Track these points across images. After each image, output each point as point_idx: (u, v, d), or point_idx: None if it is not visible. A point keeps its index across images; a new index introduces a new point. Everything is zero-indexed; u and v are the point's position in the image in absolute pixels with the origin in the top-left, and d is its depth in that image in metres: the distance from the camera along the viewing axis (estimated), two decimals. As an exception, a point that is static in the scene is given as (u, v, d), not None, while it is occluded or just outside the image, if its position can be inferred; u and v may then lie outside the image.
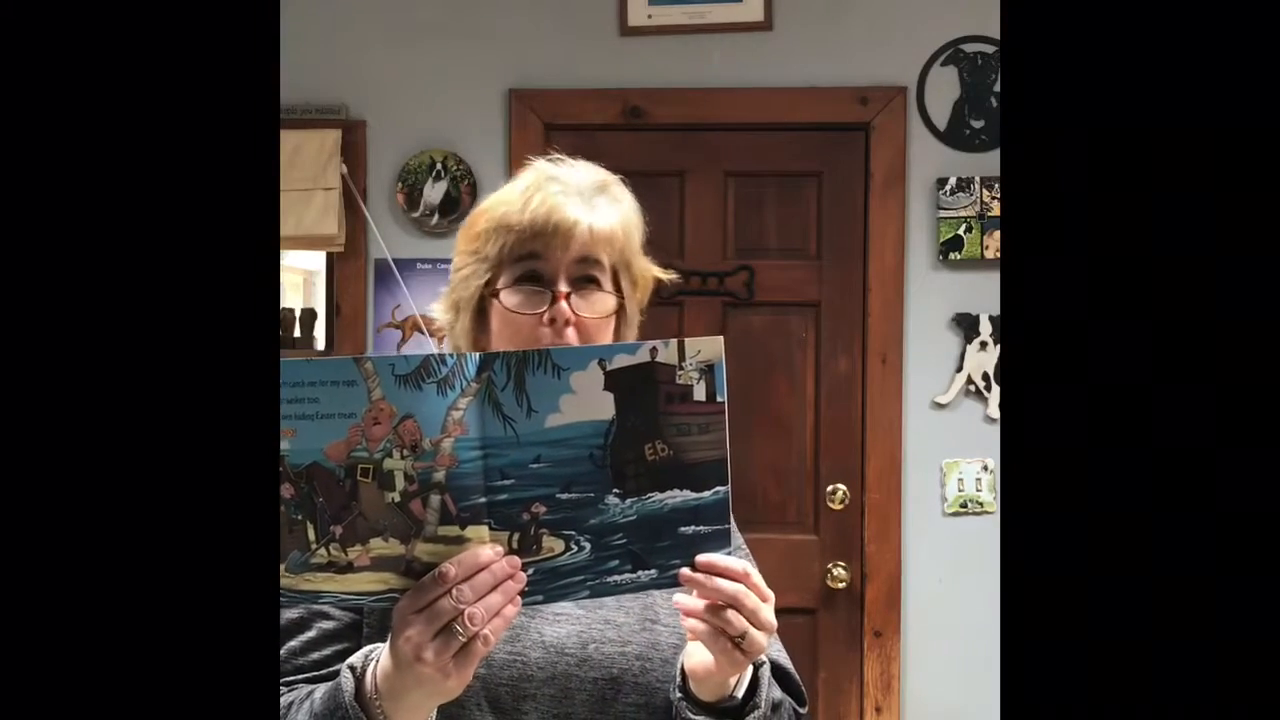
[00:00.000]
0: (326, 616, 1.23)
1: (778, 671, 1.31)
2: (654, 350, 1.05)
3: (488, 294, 1.28)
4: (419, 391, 1.01)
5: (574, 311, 1.26)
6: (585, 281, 1.28)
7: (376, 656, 1.11)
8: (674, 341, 1.06)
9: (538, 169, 1.32)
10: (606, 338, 1.31)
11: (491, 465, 1.03)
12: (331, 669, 1.21)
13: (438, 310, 1.36)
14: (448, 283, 1.35)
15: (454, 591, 1.02)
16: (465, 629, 1.02)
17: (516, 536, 1.05)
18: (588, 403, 1.04)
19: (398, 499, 1.01)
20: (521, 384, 1.03)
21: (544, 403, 1.03)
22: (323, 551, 1.02)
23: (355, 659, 1.13)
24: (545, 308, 1.26)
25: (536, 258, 1.27)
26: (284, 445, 0.99)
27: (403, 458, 1.01)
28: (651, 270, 1.39)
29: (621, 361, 1.04)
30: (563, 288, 1.26)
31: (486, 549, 1.03)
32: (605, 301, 1.29)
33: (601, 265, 1.29)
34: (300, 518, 1.01)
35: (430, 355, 1.02)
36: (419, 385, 1.01)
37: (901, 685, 3.11)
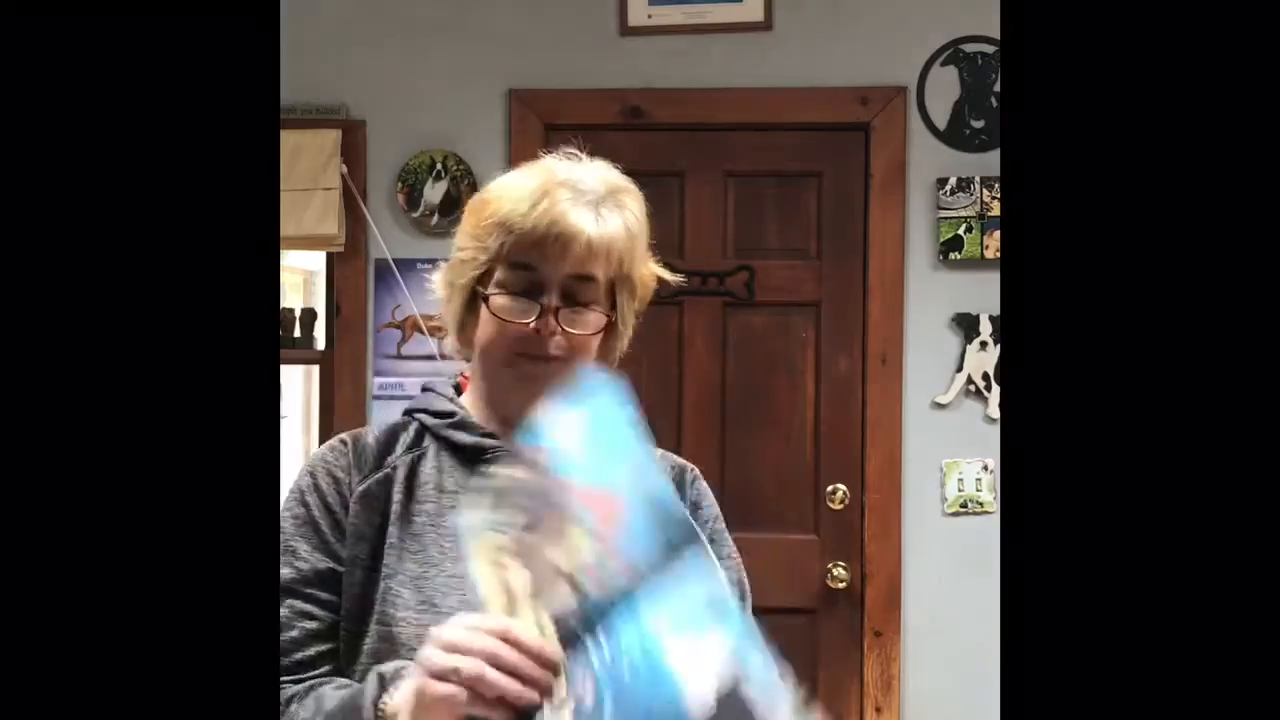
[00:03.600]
0: (309, 617, 1.23)
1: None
2: None
3: (480, 288, 1.29)
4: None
5: (561, 326, 1.26)
6: (577, 297, 1.28)
7: (403, 676, 1.11)
8: None
9: (551, 170, 1.31)
10: (593, 351, 1.31)
11: None
12: (320, 670, 1.21)
13: (435, 282, 1.37)
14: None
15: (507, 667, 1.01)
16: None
17: None
18: None
19: None
20: None
21: None
22: None
23: (387, 668, 1.15)
24: (533, 319, 1.26)
25: (532, 268, 1.27)
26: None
27: None
28: (653, 274, 1.39)
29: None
30: (553, 301, 1.27)
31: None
32: (593, 320, 1.29)
33: (595, 281, 1.29)
34: None
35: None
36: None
37: (901, 685, 3.11)
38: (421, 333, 3.12)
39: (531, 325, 1.26)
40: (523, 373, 1.28)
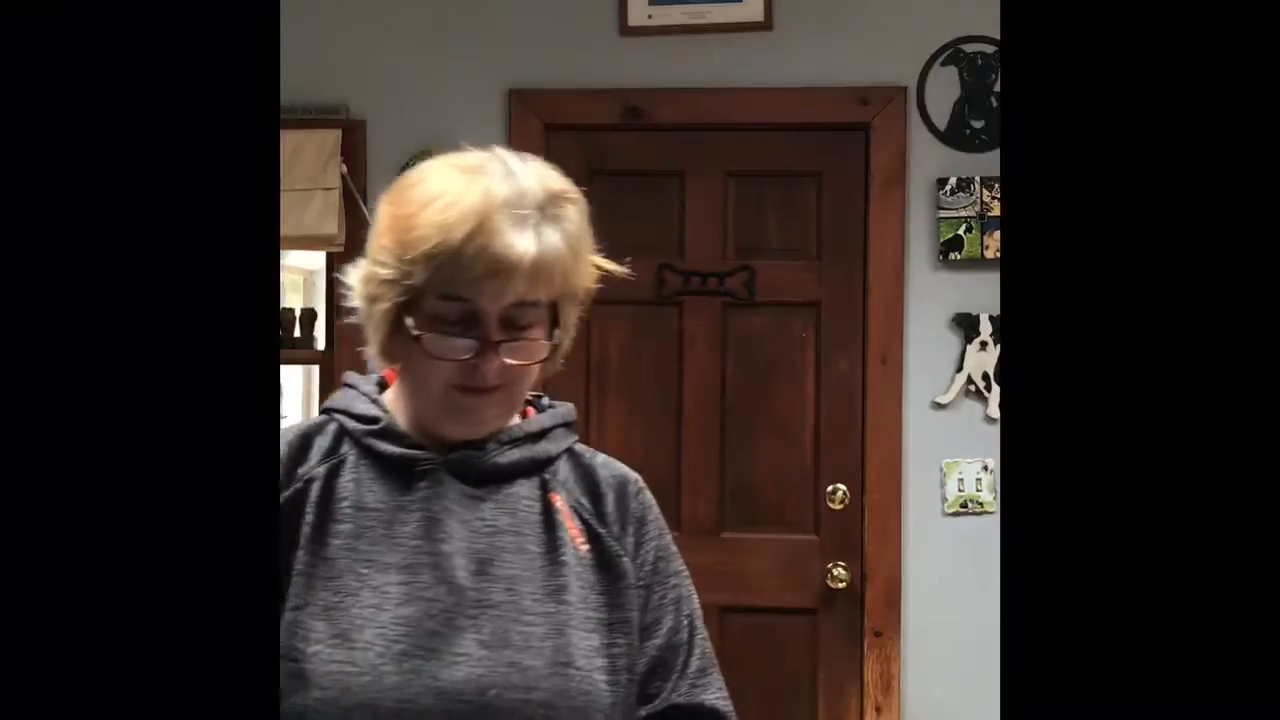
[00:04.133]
0: None
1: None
2: None
3: (408, 319, 1.18)
4: None
5: (502, 360, 1.18)
6: (518, 323, 1.19)
7: None
8: None
9: (488, 189, 1.16)
10: (532, 378, 1.25)
11: None
12: None
13: (351, 286, 1.24)
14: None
15: None
16: None
17: None
18: None
19: None
20: None
21: None
22: None
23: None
24: (471, 355, 1.17)
25: (467, 300, 1.17)
26: None
27: None
28: (595, 275, 1.26)
29: None
30: (493, 335, 1.17)
31: None
32: (536, 349, 1.21)
33: (538, 306, 1.20)
34: None
35: None
36: None
37: (901, 685, 3.11)
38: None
39: (470, 361, 1.18)
40: (460, 405, 1.21)
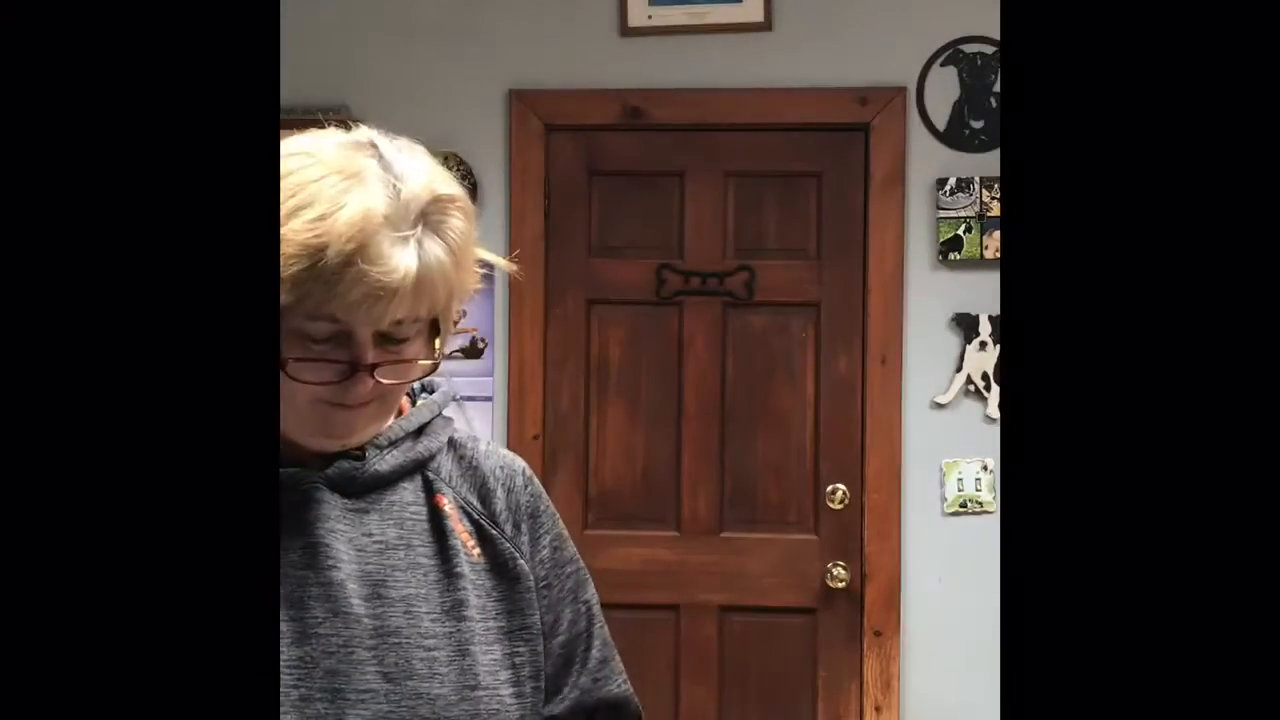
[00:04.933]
0: None
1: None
2: None
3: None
4: None
5: (377, 380, 1.10)
6: (395, 338, 1.10)
7: None
8: None
9: (368, 211, 1.05)
10: (404, 394, 1.19)
11: None
12: None
13: None
14: None
15: None
16: None
17: None
18: None
19: None
20: None
21: None
22: None
23: None
24: (343, 379, 1.08)
25: (339, 321, 1.07)
26: None
27: None
28: (478, 273, 1.18)
29: None
30: (368, 358, 1.08)
31: None
32: (414, 369, 1.13)
33: (418, 321, 1.11)
34: None
35: None
36: None
37: (901, 685, 3.11)
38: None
39: (343, 385, 1.09)
40: (330, 421, 1.12)
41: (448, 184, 1.11)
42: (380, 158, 1.09)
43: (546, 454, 3.16)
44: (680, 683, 3.16)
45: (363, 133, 1.12)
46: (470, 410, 3.16)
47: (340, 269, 1.03)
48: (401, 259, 1.05)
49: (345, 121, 1.12)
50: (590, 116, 3.15)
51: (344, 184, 1.05)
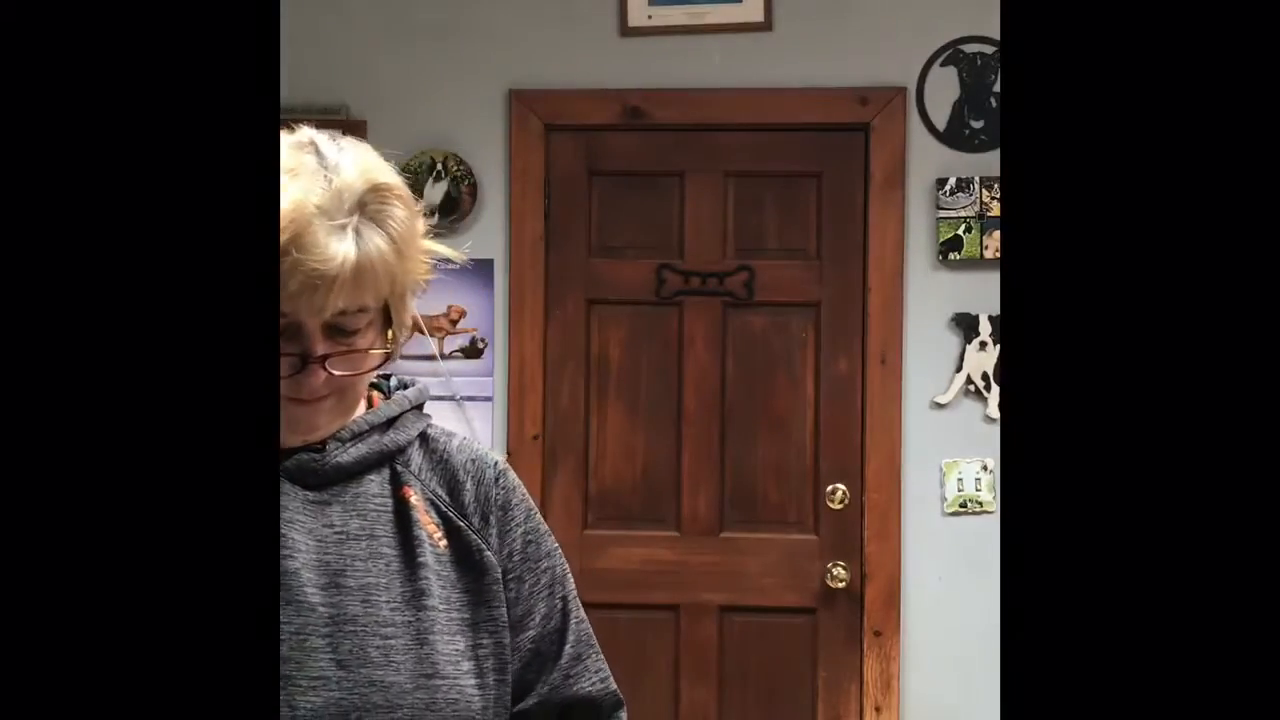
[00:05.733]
0: None
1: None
2: None
3: None
4: None
5: (329, 372, 1.11)
6: (345, 329, 1.12)
7: None
8: None
9: (300, 201, 1.07)
10: (364, 386, 1.19)
11: None
12: None
13: None
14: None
15: None
16: None
17: None
18: None
19: None
20: None
21: None
22: None
23: None
24: (294, 372, 1.11)
25: (287, 315, 1.09)
26: None
27: None
28: (428, 263, 1.18)
29: None
30: (317, 349, 1.11)
31: None
32: (366, 359, 1.15)
33: (366, 310, 1.13)
34: None
35: None
36: None
37: (901, 685, 3.11)
38: (421, 332, 3.12)
39: (295, 379, 1.11)
40: (289, 416, 1.12)
41: (386, 174, 1.13)
42: (317, 153, 1.11)
43: (546, 454, 3.16)
44: (680, 683, 3.16)
45: (304, 133, 1.14)
46: (470, 410, 3.16)
47: (281, 256, 1.04)
48: (338, 247, 1.07)
49: (288, 124, 1.13)
50: (590, 116, 3.15)
51: (285, 184, 1.07)
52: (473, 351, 3.17)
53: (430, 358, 3.11)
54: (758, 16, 3.12)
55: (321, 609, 1.11)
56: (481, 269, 3.12)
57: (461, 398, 3.14)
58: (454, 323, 3.16)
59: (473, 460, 1.23)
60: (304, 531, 1.13)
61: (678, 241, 3.17)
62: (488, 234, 3.16)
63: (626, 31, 3.15)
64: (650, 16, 3.13)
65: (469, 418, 3.14)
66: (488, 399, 3.17)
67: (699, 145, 3.17)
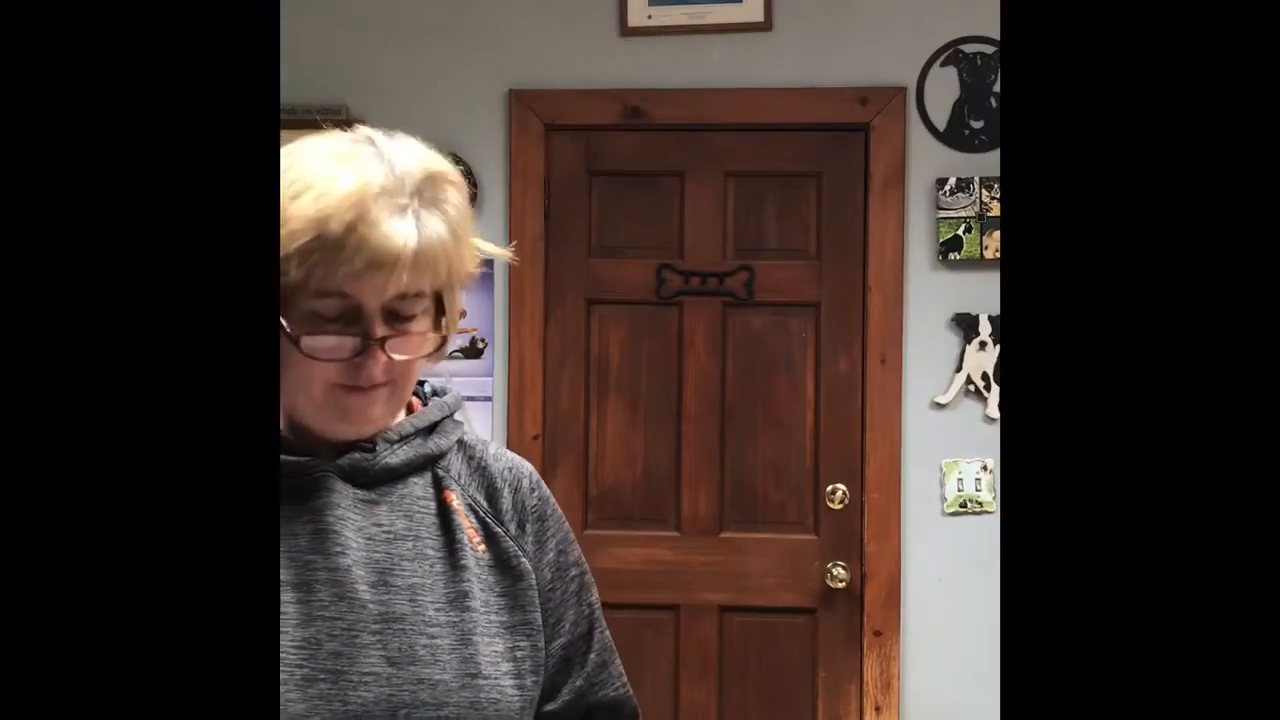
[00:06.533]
0: None
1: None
2: None
3: (281, 318, 1.10)
4: None
5: (388, 355, 1.12)
6: (402, 314, 1.14)
7: None
8: None
9: (364, 181, 1.09)
10: (419, 371, 1.20)
11: None
12: None
13: None
14: None
15: None
16: None
17: None
18: None
19: None
20: None
21: None
22: None
23: None
24: (355, 354, 1.12)
25: (347, 296, 1.10)
26: None
27: None
28: (477, 257, 1.21)
29: None
30: (377, 331, 1.12)
31: None
32: (423, 342, 1.16)
33: (423, 296, 1.14)
34: None
35: None
36: None
37: (901, 685, 3.11)
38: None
39: (354, 360, 1.12)
40: (345, 405, 1.14)
41: (441, 163, 1.16)
42: (373, 144, 1.14)
43: (546, 454, 3.16)
44: (680, 683, 3.16)
45: (360, 132, 1.17)
46: (470, 410, 3.16)
47: (343, 237, 1.07)
48: (401, 227, 1.09)
49: (346, 123, 1.14)
50: (590, 116, 3.15)
51: (338, 164, 1.10)
52: (472, 351, 3.17)
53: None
54: (758, 16, 3.12)
55: (372, 606, 1.13)
56: (481, 269, 3.12)
57: (461, 398, 3.15)
58: (460, 312, 3.16)
59: (509, 468, 1.27)
60: (354, 529, 1.15)
61: (678, 241, 3.17)
62: (488, 234, 3.10)
63: (626, 31, 3.15)
64: (650, 16, 3.13)
65: (469, 418, 3.14)
66: (488, 399, 3.17)
67: (699, 145, 3.17)
